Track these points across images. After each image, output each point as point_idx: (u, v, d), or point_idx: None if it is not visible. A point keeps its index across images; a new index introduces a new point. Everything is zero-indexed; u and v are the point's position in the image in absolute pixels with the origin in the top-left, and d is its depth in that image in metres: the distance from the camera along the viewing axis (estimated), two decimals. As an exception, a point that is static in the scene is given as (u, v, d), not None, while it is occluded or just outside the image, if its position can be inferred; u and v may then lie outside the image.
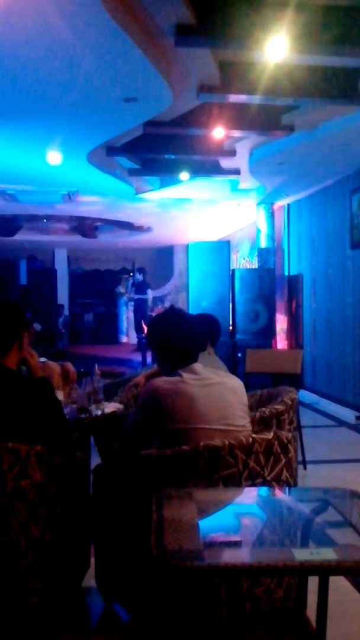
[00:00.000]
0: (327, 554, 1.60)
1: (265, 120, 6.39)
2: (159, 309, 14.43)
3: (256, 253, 10.81)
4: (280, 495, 2.32)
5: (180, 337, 2.60)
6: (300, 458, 5.01)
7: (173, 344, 2.59)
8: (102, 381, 3.76)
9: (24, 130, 6.29)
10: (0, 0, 3.49)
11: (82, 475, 2.57)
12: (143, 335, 11.87)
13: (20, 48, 4.24)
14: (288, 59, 4.69)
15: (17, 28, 3.90)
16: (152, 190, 9.61)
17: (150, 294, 14.38)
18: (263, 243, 10.40)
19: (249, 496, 2.24)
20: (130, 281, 15.43)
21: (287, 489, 2.39)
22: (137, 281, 14.38)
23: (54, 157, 7.22)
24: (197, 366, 2.57)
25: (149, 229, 13.76)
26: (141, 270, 14.48)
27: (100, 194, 9.76)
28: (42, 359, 4.11)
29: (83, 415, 3.27)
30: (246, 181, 8.74)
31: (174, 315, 2.77)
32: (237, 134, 6.82)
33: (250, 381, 6.30)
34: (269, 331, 9.88)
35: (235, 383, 2.65)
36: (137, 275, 14.54)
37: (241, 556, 1.71)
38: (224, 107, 6.14)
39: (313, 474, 5.22)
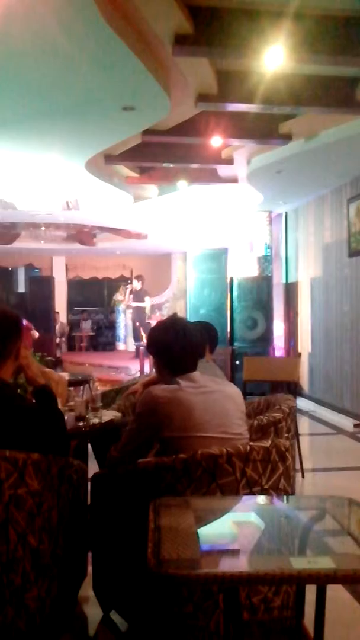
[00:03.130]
0: (325, 563, 1.60)
1: (262, 129, 6.42)
2: (157, 316, 14.44)
3: (254, 260, 10.83)
4: (278, 503, 2.31)
5: (180, 345, 2.60)
6: (298, 466, 5.01)
7: (173, 352, 2.60)
8: (99, 389, 3.76)
9: (22, 138, 6.31)
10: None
11: (79, 483, 2.56)
12: (141, 342, 11.86)
13: (19, 57, 4.26)
14: (285, 68, 4.71)
15: (15, 37, 3.92)
16: (150, 198, 9.63)
17: (148, 302, 14.38)
18: (261, 251, 10.41)
19: (247, 504, 2.23)
20: (129, 289, 15.45)
21: (284, 497, 2.39)
22: (135, 289, 14.40)
23: (52, 164, 7.23)
24: (195, 374, 2.58)
25: (146, 237, 13.79)
26: (139, 278, 14.49)
27: (98, 202, 9.78)
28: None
29: (81, 423, 3.26)
30: (244, 189, 8.76)
31: (175, 323, 2.78)
32: (235, 142, 6.84)
33: (248, 389, 6.30)
34: (267, 339, 9.89)
35: (233, 391, 2.66)
36: (135, 283, 14.55)
37: (239, 565, 1.71)
38: (221, 116, 6.16)
39: (311, 482, 5.21)
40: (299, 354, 9.80)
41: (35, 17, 3.65)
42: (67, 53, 4.17)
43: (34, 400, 2.58)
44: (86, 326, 17.98)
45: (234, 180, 8.41)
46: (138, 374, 11.14)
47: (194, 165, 7.88)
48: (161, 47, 4.36)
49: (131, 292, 14.94)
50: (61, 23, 3.75)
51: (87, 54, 4.24)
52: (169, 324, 2.77)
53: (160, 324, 2.86)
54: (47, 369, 3.86)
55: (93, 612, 2.85)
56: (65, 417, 3.17)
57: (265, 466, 2.33)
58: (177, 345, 2.60)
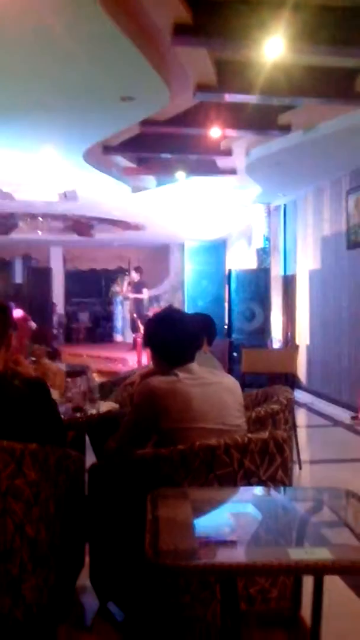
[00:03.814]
0: (322, 554, 1.60)
1: (261, 120, 6.40)
2: (155, 308, 14.42)
3: (252, 253, 10.82)
4: (276, 495, 2.32)
5: (177, 337, 2.60)
6: (295, 458, 5.02)
7: (170, 343, 2.59)
8: (97, 380, 3.76)
9: (21, 128, 6.28)
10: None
11: (77, 474, 2.56)
12: (139, 334, 11.86)
13: (17, 46, 4.23)
14: (285, 58, 4.69)
15: (13, 27, 3.89)
16: (148, 189, 9.61)
17: (146, 293, 14.36)
18: (259, 243, 10.40)
19: (244, 496, 2.24)
20: (127, 280, 15.43)
21: (282, 488, 2.39)
22: (134, 280, 14.37)
23: (50, 155, 7.21)
24: (193, 366, 2.57)
25: (144, 228, 13.76)
26: (138, 269, 14.46)
27: (96, 193, 9.75)
28: (33, 358, 4.10)
29: (78, 414, 3.26)
30: (243, 181, 8.74)
31: (171, 315, 2.78)
32: (233, 133, 6.82)
33: (246, 381, 6.31)
34: (265, 331, 9.89)
35: (231, 382, 2.66)
36: (133, 274, 14.53)
37: (236, 556, 1.71)
38: (220, 107, 6.14)
39: (308, 473, 5.22)
40: (297, 346, 9.80)
41: (33, 6, 3.63)
42: (65, 43, 4.15)
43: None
44: (84, 318, 17.96)
45: (232, 171, 8.39)
46: (136, 366, 11.14)
47: (193, 157, 7.86)
48: (160, 37, 4.34)
49: (129, 283, 14.92)
50: (59, 13, 3.73)
51: (86, 44, 4.22)
52: (164, 317, 2.77)
53: (156, 316, 2.86)
54: (46, 361, 3.85)
55: (90, 602, 2.86)
56: (63, 408, 3.17)
57: (263, 458, 2.33)
58: (173, 338, 2.60)
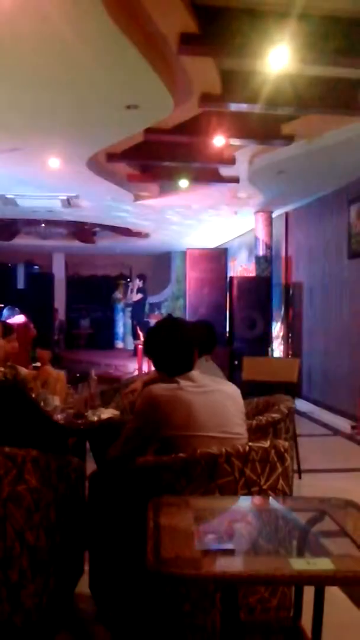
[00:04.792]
0: (324, 564, 1.60)
1: (265, 130, 6.41)
2: (156, 315, 14.43)
3: (254, 261, 10.83)
4: (276, 504, 2.31)
5: (177, 345, 2.60)
6: (295, 467, 5.01)
7: (170, 352, 2.59)
8: (98, 387, 3.76)
9: (25, 135, 6.30)
10: (6, 4, 3.50)
11: (77, 481, 2.56)
12: (139, 341, 11.86)
13: (23, 53, 4.25)
14: (289, 68, 4.71)
15: (20, 34, 3.91)
16: (151, 196, 9.62)
17: (148, 300, 14.36)
18: (261, 251, 10.41)
19: (245, 505, 2.23)
20: (129, 287, 15.45)
21: (283, 498, 2.39)
22: (136, 287, 14.40)
23: (53, 162, 7.23)
24: (195, 373, 2.57)
25: (146, 235, 13.78)
26: (141, 277, 14.49)
27: (99, 200, 9.77)
28: (38, 364, 4.11)
29: (79, 421, 3.26)
30: (245, 189, 8.75)
31: (172, 323, 2.78)
32: (237, 142, 6.83)
33: (247, 389, 6.30)
34: (266, 339, 9.88)
35: (233, 390, 2.66)
36: (136, 281, 14.55)
37: (237, 565, 1.71)
38: (224, 116, 6.16)
39: (308, 483, 5.21)
40: (298, 355, 9.79)
41: (41, 14, 3.64)
42: (72, 50, 4.16)
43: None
44: (85, 324, 17.96)
45: (235, 180, 8.40)
46: (136, 373, 11.14)
47: (196, 165, 7.87)
48: (166, 45, 4.36)
49: (131, 290, 14.94)
50: (67, 21, 3.74)
51: (93, 51, 4.24)
52: (164, 326, 2.76)
53: (157, 324, 2.86)
54: (47, 366, 3.86)
55: (89, 609, 2.85)
56: (64, 415, 3.18)
57: (264, 467, 2.33)
58: (173, 346, 2.60)
